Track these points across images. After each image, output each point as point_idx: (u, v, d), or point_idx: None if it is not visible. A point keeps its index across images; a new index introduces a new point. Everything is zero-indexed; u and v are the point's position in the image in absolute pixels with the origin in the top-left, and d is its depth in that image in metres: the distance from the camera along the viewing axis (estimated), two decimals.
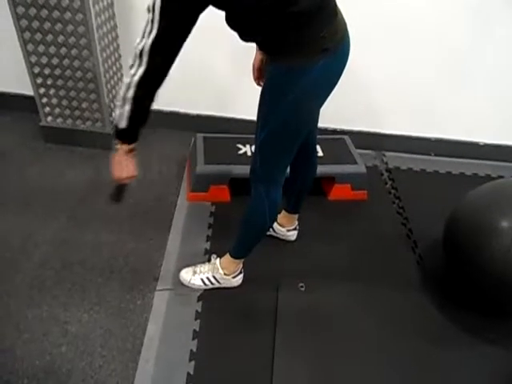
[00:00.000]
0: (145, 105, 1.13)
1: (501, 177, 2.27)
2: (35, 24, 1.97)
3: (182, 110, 2.54)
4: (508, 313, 1.65)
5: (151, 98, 1.12)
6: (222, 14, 1.09)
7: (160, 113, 2.52)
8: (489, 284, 1.49)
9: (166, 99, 2.45)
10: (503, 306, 1.58)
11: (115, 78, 2.31)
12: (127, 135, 1.19)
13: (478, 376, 1.46)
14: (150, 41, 1.02)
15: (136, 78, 1.06)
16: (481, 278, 1.51)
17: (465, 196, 1.67)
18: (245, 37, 1.16)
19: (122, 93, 1.10)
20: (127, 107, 1.11)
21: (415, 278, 1.79)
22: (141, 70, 1.06)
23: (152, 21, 1.00)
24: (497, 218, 1.46)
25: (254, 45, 1.28)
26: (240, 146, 2.13)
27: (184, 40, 1.06)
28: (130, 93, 1.08)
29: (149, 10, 1.01)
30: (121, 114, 1.13)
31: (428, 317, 1.63)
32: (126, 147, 1.21)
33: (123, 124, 1.14)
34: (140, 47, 1.04)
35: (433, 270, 1.82)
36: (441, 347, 1.54)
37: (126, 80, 1.09)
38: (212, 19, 1.13)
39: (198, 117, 2.53)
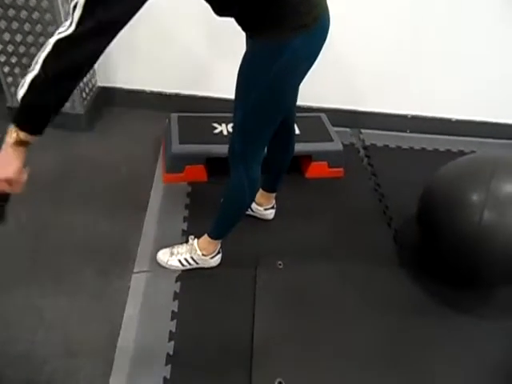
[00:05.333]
0: (58, 78, 0.85)
1: (473, 151, 2.32)
2: None
3: (156, 89, 2.47)
4: (480, 283, 1.71)
5: (73, 72, 0.86)
6: None
7: (133, 92, 2.45)
8: (460, 256, 1.54)
9: (139, 78, 2.43)
10: (475, 277, 1.63)
11: None
12: (27, 117, 0.91)
13: (454, 345, 1.51)
14: None
15: (58, 36, 0.83)
16: (453, 250, 1.55)
17: (437, 171, 1.70)
18: (220, 10, 1.12)
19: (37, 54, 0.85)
20: (34, 72, 0.85)
21: (391, 253, 1.82)
22: (70, 30, 0.82)
23: None
24: (467, 191, 1.49)
25: (231, 21, 1.24)
26: (216, 125, 2.09)
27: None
28: (43, 55, 0.84)
29: None
30: (24, 82, 0.86)
31: (404, 289, 1.67)
32: (20, 135, 0.90)
33: (21, 94, 0.87)
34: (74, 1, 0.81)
35: (408, 244, 1.86)
36: (417, 319, 1.58)
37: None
38: None
39: (173, 96, 2.47)
